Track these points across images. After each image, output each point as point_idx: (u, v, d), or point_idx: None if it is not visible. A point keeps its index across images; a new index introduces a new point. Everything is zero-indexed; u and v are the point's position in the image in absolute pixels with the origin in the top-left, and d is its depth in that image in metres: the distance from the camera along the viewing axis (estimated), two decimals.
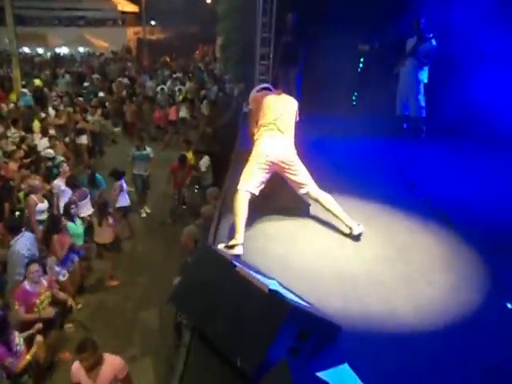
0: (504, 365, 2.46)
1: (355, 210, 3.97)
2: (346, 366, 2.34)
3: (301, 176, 3.72)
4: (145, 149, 8.96)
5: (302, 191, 3.78)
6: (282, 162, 3.64)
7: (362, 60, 8.90)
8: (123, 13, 28.83)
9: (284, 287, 2.66)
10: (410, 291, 3.04)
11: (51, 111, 12.17)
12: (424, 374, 2.38)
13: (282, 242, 3.60)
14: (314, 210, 4.04)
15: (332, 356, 2.39)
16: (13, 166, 8.00)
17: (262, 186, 3.61)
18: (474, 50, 6.96)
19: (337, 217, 3.71)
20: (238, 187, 3.54)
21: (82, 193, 7.20)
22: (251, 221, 3.91)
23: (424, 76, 7.02)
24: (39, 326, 4.48)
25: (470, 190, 4.73)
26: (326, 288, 3.03)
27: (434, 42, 6.75)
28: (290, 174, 3.70)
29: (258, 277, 2.51)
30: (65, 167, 7.36)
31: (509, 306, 2.93)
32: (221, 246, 3.32)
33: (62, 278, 5.80)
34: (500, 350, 2.58)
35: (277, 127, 3.66)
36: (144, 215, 9.10)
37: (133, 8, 28.90)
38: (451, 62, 7.12)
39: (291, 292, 2.62)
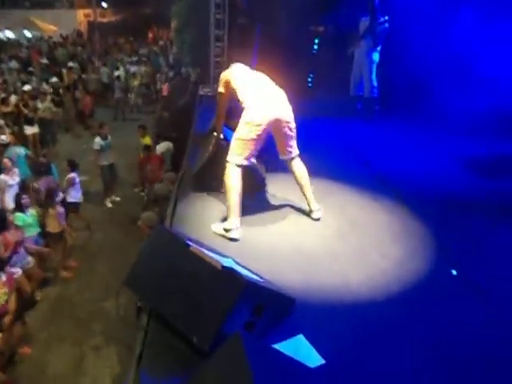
0: (450, 328, 2.61)
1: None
2: (301, 337, 2.42)
3: (292, 139, 3.58)
4: (107, 137, 8.68)
5: (287, 156, 3.64)
6: (281, 120, 3.44)
7: (316, 42, 8.94)
8: None
9: (239, 265, 2.69)
10: (363, 264, 3.16)
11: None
12: (377, 341, 2.49)
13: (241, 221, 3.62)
14: (273, 189, 4.09)
15: (289, 328, 2.47)
16: None
17: (254, 157, 3.47)
18: (425, 27, 7.12)
19: (304, 194, 3.71)
20: (229, 160, 3.39)
21: (45, 181, 6.97)
22: (210, 202, 3.94)
23: (376, 57, 7.15)
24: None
25: (419, 166, 4.93)
26: (284, 264, 3.10)
27: (387, 24, 6.87)
28: (284, 133, 3.52)
29: (213, 255, 2.53)
30: (6, 163, 7.02)
31: (454, 272, 3.10)
32: (217, 229, 3.34)
33: (16, 276, 5.58)
34: (446, 314, 2.73)
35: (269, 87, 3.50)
36: (110, 205, 8.88)
37: None
38: (402, 40, 7.27)
39: (246, 269, 2.66)
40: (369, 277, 3.00)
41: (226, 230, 3.34)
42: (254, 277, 2.52)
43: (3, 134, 8.73)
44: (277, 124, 3.44)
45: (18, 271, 5.54)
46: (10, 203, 6.53)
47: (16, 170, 7.23)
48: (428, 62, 7.13)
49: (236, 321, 2.13)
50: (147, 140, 9.03)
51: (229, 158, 3.39)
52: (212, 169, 4.00)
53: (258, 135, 3.35)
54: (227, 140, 3.80)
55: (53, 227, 6.40)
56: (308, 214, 3.73)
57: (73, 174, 7.36)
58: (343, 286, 2.91)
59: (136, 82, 15.36)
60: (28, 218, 6.14)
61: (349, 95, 7.65)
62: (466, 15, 6.87)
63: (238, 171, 3.36)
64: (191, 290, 2.20)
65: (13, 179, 7.07)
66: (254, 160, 3.50)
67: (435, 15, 7.18)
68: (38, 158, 8.53)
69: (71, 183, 7.34)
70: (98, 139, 8.61)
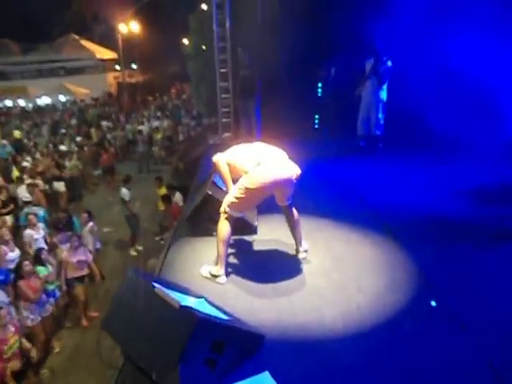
0: (425, 365, 2.57)
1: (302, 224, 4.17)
2: (266, 374, 2.48)
3: (291, 191, 3.61)
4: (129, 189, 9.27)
5: (283, 203, 3.67)
6: (279, 181, 3.45)
7: (320, 85, 9.29)
8: (102, 60, 29.78)
9: (211, 304, 2.81)
10: (340, 299, 3.19)
11: (30, 160, 12.44)
12: (348, 378, 2.50)
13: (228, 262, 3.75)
14: (264, 230, 4.24)
15: (256, 365, 2.53)
16: None
17: (249, 209, 3.58)
18: (426, 63, 7.29)
19: (293, 236, 3.79)
20: (222, 211, 3.47)
21: (63, 236, 7.37)
22: (201, 245, 4.12)
23: (383, 95, 7.35)
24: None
25: (414, 201, 4.95)
26: (261, 302, 3.19)
27: (389, 62, 7.11)
28: (283, 189, 3.57)
29: (180, 295, 2.68)
30: (32, 219, 7.51)
31: (433, 303, 3.09)
32: (205, 273, 3.48)
33: (29, 324, 5.83)
34: (422, 350, 2.70)
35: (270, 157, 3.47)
36: (134, 254, 9.28)
37: (111, 55, 29.86)
38: (405, 80, 7.45)
39: (217, 308, 2.77)
40: (344, 312, 3.03)
41: (213, 276, 3.49)
42: (221, 315, 2.63)
43: (32, 191, 9.40)
44: (275, 185, 3.48)
45: (32, 317, 5.80)
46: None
47: (40, 225, 7.70)
48: (428, 96, 7.23)
49: (194, 357, 2.23)
50: (163, 191, 9.44)
51: (222, 209, 3.50)
52: (204, 213, 4.21)
53: (255, 196, 3.46)
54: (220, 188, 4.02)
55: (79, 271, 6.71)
56: (295, 253, 3.82)
57: (91, 223, 7.81)
58: (317, 322, 2.95)
59: (159, 136, 16.17)
60: (46, 270, 6.49)
61: (354, 134, 7.82)
62: (467, 45, 6.98)
63: (228, 222, 3.46)
64: (152, 329, 2.33)
65: (38, 233, 7.54)
66: (244, 213, 3.61)
67: (436, 50, 7.32)
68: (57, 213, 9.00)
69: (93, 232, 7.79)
70: (125, 191, 9.16)
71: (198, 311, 2.33)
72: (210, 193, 4.09)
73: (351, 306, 3.10)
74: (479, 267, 3.57)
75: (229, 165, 3.55)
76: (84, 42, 29.22)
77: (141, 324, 2.41)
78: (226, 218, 3.47)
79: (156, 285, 2.50)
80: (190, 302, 2.58)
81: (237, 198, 3.43)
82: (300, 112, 8.73)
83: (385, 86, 7.25)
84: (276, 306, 3.12)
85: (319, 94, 9.39)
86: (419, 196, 5.11)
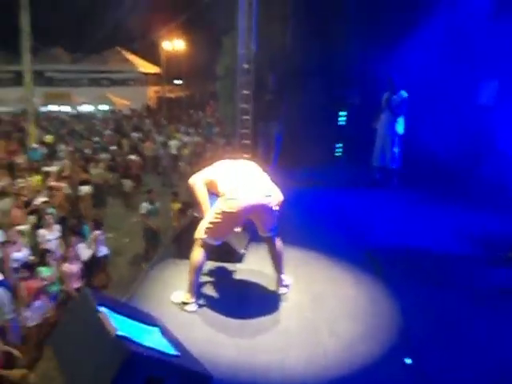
0: None
1: (290, 257, 4.00)
2: None
3: (269, 221, 3.46)
4: (154, 203, 9.23)
5: (264, 234, 3.55)
6: (256, 207, 3.32)
7: (343, 114, 9.16)
8: (145, 74, 30.86)
9: (167, 335, 2.70)
10: (309, 341, 3.00)
11: (59, 164, 12.77)
12: None
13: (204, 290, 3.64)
14: (251, 259, 4.12)
15: None
16: (16, 212, 8.39)
17: (226, 237, 3.48)
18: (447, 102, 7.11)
19: (274, 270, 3.63)
20: (196, 237, 3.39)
21: (76, 239, 7.48)
22: (179, 270, 4.02)
23: (399, 128, 7.17)
24: None
25: (414, 241, 4.69)
26: (225, 337, 3.04)
27: (404, 93, 6.93)
28: (260, 217, 3.44)
29: (135, 323, 2.58)
30: (49, 218, 7.64)
31: (407, 361, 2.84)
32: (176, 299, 3.39)
33: (30, 324, 5.86)
34: None
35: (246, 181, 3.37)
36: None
37: (154, 69, 30.88)
38: (426, 114, 7.27)
39: (172, 341, 2.65)
40: (308, 357, 2.84)
41: (183, 303, 3.38)
42: (170, 349, 2.49)
43: (53, 194, 9.61)
44: (252, 211, 3.36)
45: (34, 317, 5.81)
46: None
47: (56, 227, 7.81)
48: (450, 137, 6.99)
49: None
50: (177, 206, 9.44)
51: (196, 235, 3.41)
52: (190, 235, 4.11)
53: (229, 221, 3.35)
54: None
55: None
56: (275, 288, 3.66)
57: (97, 232, 7.85)
58: (277, 364, 2.77)
59: (187, 151, 16.34)
60: (51, 273, 6.56)
61: (371, 166, 7.63)
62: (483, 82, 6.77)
63: (203, 250, 3.35)
64: (87, 354, 2.24)
65: (52, 234, 7.65)
66: (221, 241, 3.45)
67: (457, 89, 7.12)
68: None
69: (96, 240, 7.82)
70: (145, 204, 9.18)
71: (135, 343, 2.22)
72: (196, 215, 4.01)
73: (318, 351, 2.91)
74: (467, 326, 3.27)
75: (209, 182, 3.48)
76: (129, 56, 30.41)
77: (79, 346, 2.33)
78: (201, 245, 3.36)
79: (101, 309, 2.41)
80: (138, 330, 2.48)
81: (212, 222, 3.33)
82: (321, 139, 8.62)
83: (400, 119, 7.06)
84: (238, 343, 2.97)
85: (342, 123, 9.26)
86: (420, 237, 4.86)
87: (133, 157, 14.90)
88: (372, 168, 7.60)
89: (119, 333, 2.21)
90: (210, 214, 3.36)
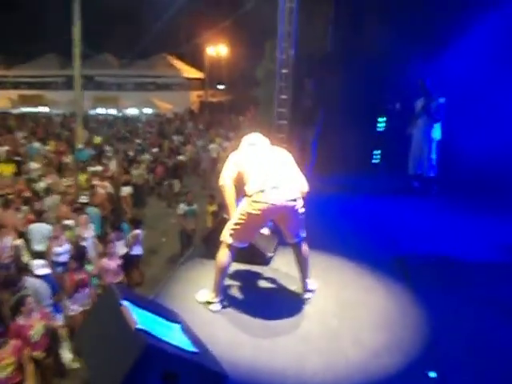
0: None
1: (320, 263, 4.00)
2: None
3: (295, 225, 3.42)
4: (192, 204, 9.42)
5: (289, 240, 3.53)
6: (281, 209, 3.29)
7: (383, 119, 8.98)
8: (189, 79, 31.62)
9: (188, 333, 2.73)
10: (330, 349, 2.95)
11: (109, 164, 13.30)
12: None
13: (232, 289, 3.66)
14: (279, 262, 4.11)
15: None
16: (63, 208, 8.83)
17: (252, 239, 3.48)
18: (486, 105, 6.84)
19: (300, 275, 3.59)
20: (222, 239, 3.41)
21: (119, 235, 7.77)
22: (207, 269, 4.06)
23: (436, 134, 6.96)
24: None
25: (448, 253, 4.50)
26: (246, 338, 3.04)
27: (441, 99, 6.73)
28: (285, 220, 3.42)
29: (158, 319, 2.63)
30: (84, 218, 7.94)
31: (432, 375, 2.72)
32: (200, 298, 3.44)
33: (71, 313, 6.12)
34: None
35: (270, 180, 3.26)
36: None
37: (198, 75, 31.58)
38: (464, 118, 7.02)
39: (192, 338, 2.68)
40: (328, 365, 2.78)
41: (207, 302, 3.41)
42: (189, 346, 2.52)
43: (95, 192, 10.00)
44: (277, 213, 3.33)
45: (76, 309, 6.07)
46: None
47: (91, 226, 8.14)
48: (492, 143, 6.70)
49: (141, 382, 2.16)
50: (213, 208, 9.56)
51: (222, 237, 3.43)
52: (219, 235, 4.16)
53: (254, 223, 3.32)
54: None
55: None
56: (296, 292, 3.63)
57: (137, 231, 8.09)
58: (294, 369, 2.74)
59: (226, 155, 16.54)
60: (91, 268, 6.84)
61: (408, 173, 7.43)
62: None
63: (229, 251, 3.36)
64: (108, 346, 2.31)
65: (87, 233, 7.98)
66: (247, 243, 3.44)
67: (500, 93, 6.83)
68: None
69: (136, 239, 8.06)
70: (182, 205, 9.39)
71: (154, 337, 2.26)
72: (225, 216, 4.04)
73: (339, 358, 2.85)
74: (497, 341, 3.09)
75: (236, 177, 3.45)
76: (174, 61, 31.30)
77: (101, 338, 2.40)
78: (227, 247, 3.38)
79: (125, 303, 2.48)
80: (159, 326, 2.52)
81: (236, 224, 3.34)
82: (359, 145, 8.49)
83: (438, 125, 6.83)
84: (258, 345, 2.96)
85: (381, 129, 9.08)
86: (458, 247, 4.65)
87: (181, 157, 15.24)
88: (409, 176, 7.40)
89: (139, 326, 2.26)
90: (235, 215, 3.37)
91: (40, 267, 5.80)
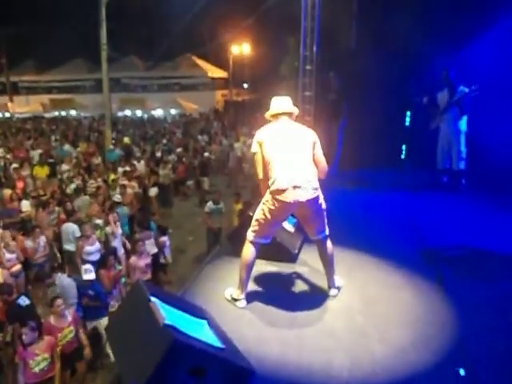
0: None
1: (345, 259, 3.99)
2: None
3: (317, 221, 3.39)
4: (219, 203, 9.52)
5: (313, 237, 3.51)
6: (300, 205, 3.25)
7: (409, 114, 8.81)
8: (213, 79, 31.86)
9: (215, 329, 2.78)
10: (357, 345, 2.93)
11: (137, 164, 13.56)
12: None
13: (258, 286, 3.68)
14: (304, 259, 4.12)
15: None
16: (96, 207, 9.07)
17: (274, 234, 3.48)
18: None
19: (325, 272, 3.58)
20: (246, 236, 3.44)
21: (147, 234, 7.92)
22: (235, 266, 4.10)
23: (464, 126, 6.78)
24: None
25: (480, 251, 4.39)
26: (273, 334, 3.06)
27: (466, 89, 6.53)
28: (306, 216, 3.40)
29: (185, 315, 2.69)
30: (113, 217, 8.11)
31: (461, 372, 2.68)
32: (227, 295, 3.49)
33: (111, 309, 6.27)
34: None
35: (290, 174, 3.20)
36: None
37: (222, 74, 31.79)
38: (491, 110, 6.81)
39: (219, 334, 2.73)
40: (354, 361, 2.77)
41: (233, 299, 3.46)
42: (216, 342, 2.56)
43: (124, 192, 10.21)
44: (297, 209, 3.30)
45: (113, 304, 6.20)
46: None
47: (118, 224, 8.30)
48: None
49: (168, 377, 2.22)
50: (239, 206, 9.61)
51: (247, 233, 3.46)
52: (244, 233, 4.20)
53: (274, 218, 3.31)
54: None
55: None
56: (322, 289, 3.62)
57: (163, 238, 8.18)
58: (321, 365, 2.74)
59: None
60: (119, 267, 7.02)
61: (436, 168, 7.28)
62: None
63: (253, 247, 3.38)
64: (137, 341, 2.38)
65: (117, 231, 8.15)
66: (269, 239, 3.44)
67: None
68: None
69: (162, 245, 8.16)
70: (209, 203, 9.50)
71: (182, 333, 2.31)
72: (251, 214, 4.07)
73: (365, 355, 2.83)
74: None
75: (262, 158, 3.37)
76: (199, 61, 31.60)
77: (130, 333, 2.47)
78: (251, 243, 3.41)
79: (152, 298, 2.55)
80: (187, 322, 2.58)
81: (258, 220, 3.36)
82: (386, 140, 8.37)
83: (465, 116, 6.63)
84: (285, 341, 2.98)
85: (407, 123, 8.91)
86: (491, 244, 4.51)
87: (207, 154, 15.32)
88: (438, 171, 7.25)
89: (167, 322, 2.32)
90: (257, 210, 3.40)
91: (88, 272, 5.87)
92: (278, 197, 3.22)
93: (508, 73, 6.49)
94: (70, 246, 7.72)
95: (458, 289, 3.61)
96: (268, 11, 14.85)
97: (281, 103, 3.51)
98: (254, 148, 3.49)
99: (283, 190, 3.20)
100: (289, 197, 3.20)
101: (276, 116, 3.47)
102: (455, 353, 2.86)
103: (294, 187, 3.19)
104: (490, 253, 4.32)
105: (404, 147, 8.90)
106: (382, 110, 8.41)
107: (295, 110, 3.57)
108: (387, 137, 8.35)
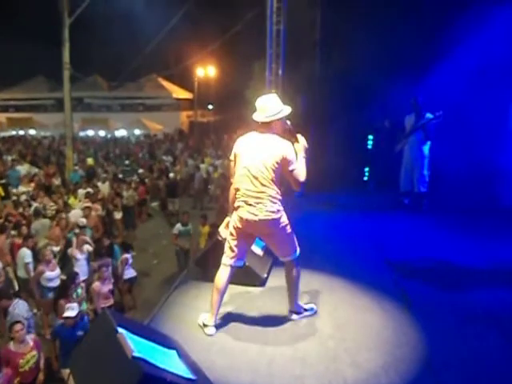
0: None
1: (312, 282, 4.02)
2: None
3: (280, 244, 3.35)
4: (187, 224, 9.38)
5: (281, 259, 3.45)
6: (259, 229, 3.24)
7: (371, 137, 9.11)
8: (178, 99, 31.86)
9: (185, 358, 2.70)
10: (328, 371, 2.92)
11: (100, 185, 13.18)
12: None
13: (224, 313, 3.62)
14: (273, 283, 4.10)
15: None
16: (56, 230, 8.72)
17: (245, 256, 3.44)
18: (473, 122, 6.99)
19: (288, 295, 3.53)
20: (222, 261, 3.37)
21: (104, 262, 7.63)
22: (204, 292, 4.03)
23: (427, 150, 7.04)
24: None
25: (442, 271, 4.53)
26: (242, 363, 3.00)
27: (431, 115, 6.82)
28: (268, 239, 3.41)
29: (154, 345, 2.60)
30: (81, 238, 7.86)
31: None
32: (199, 321, 3.39)
33: None
34: None
35: (248, 191, 3.18)
36: None
37: (187, 95, 31.87)
38: (453, 136, 7.15)
39: (189, 364, 2.65)
40: None
41: (203, 325, 3.38)
42: (186, 373, 2.49)
43: (88, 215, 9.88)
44: (254, 228, 3.25)
45: None
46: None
47: (86, 247, 8.01)
48: (482, 158, 6.83)
49: None
50: (206, 229, 9.53)
51: (222, 259, 3.40)
52: (212, 258, 4.14)
53: (240, 236, 3.29)
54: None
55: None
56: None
57: (126, 255, 7.99)
58: None
59: (216, 174, 16.58)
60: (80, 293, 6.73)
61: (399, 191, 7.50)
62: None
63: (227, 271, 3.34)
64: (104, 374, 2.27)
65: (82, 254, 7.84)
66: (242, 261, 3.41)
67: (487, 112, 6.99)
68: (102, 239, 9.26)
69: (125, 263, 7.95)
70: (178, 225, 9.38)
71: (151, 365, 2.23)
72: (220, 239, 4.03)
73: (337, 381, 2.82)
74: (495, 360, 3.06)
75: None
76: (164, 82, 31.59)
77: (97, 365, 2.36)
78: (225, 265, 3.36)
79: (120, 329, 2.45)
80: (156, 352, 2.49)
81: (228, 240, 3.36)
82: (349, 162, 8.60)
83: (429, 142, 6.92)
84: (255, 368, 2.92)
85: (369, 146, 9.20)
86: (451, 259, 4.68)
87: (172, 175, 15.13)
88: (400, 193, 7.48)
89: (136, 354, 2.23)
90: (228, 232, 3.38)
91: (72, 309, 5.37)
92: (236, 212, 3.27)
93: (468, 101, 6.85)
94: (23, 273, 7.36)
95: (424, 310, 3.68)
96: (234, 36, 15.12)
97: (264, 107, 3.27)
98: (232, 156, 3.43)
99: (240, 207, 3.23)
100: (244, 214, 3.22)
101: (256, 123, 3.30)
102: (424, 376, 2.90)
103: (249, 205, 3.19)
104: (452, 267, 4.48)
105: (367, 169, 9.15)
106: (345, 133, 8.68)
107: (280, 115, 3.29)
108: (350, 159, 8.59)
